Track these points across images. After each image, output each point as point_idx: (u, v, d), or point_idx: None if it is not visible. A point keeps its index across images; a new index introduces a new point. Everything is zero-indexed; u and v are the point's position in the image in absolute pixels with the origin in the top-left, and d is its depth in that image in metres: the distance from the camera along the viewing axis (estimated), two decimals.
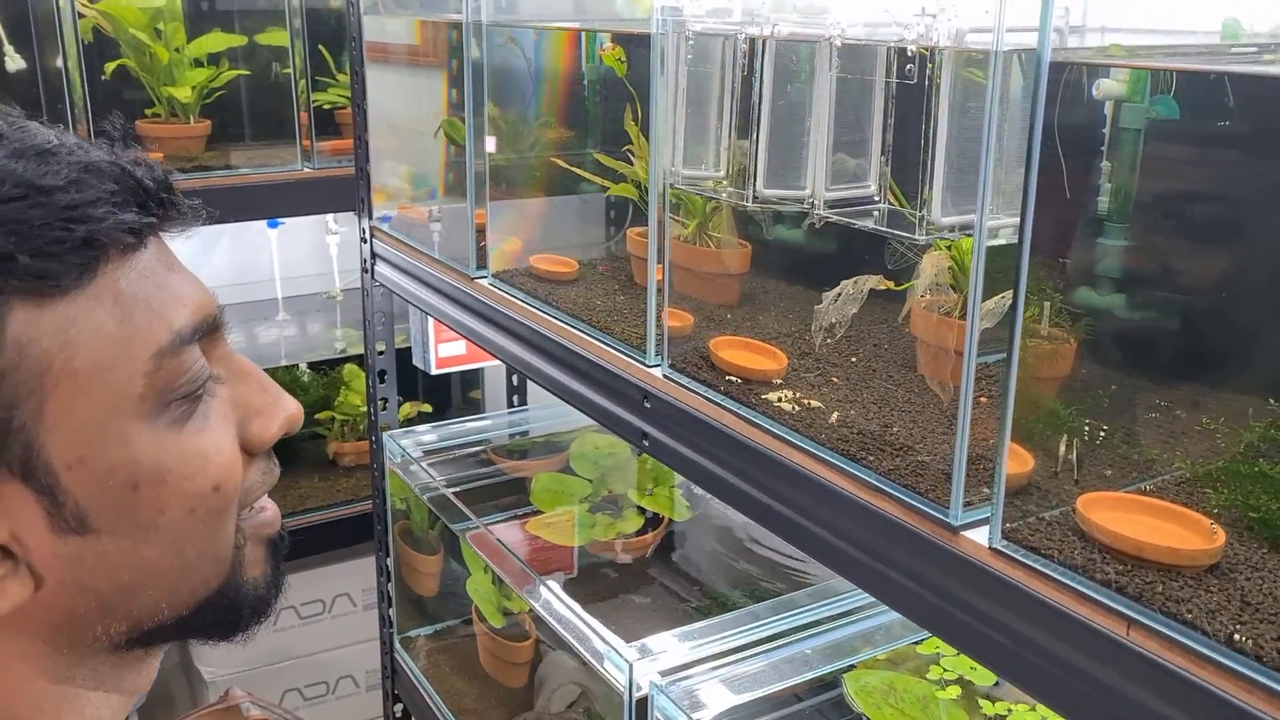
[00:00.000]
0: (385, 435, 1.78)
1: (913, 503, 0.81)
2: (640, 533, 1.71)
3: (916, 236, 0.78)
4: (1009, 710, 1.29)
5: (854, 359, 1.06)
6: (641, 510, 1.74)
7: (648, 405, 1.08)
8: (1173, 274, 1.01)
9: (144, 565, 0.59)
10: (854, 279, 0.98)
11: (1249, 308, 1.00)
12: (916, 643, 1.39)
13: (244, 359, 0.65)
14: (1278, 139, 0.95)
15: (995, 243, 0.75)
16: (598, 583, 1.66)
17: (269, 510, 0.67)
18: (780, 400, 0.94)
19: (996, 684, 1.33)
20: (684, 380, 1.04)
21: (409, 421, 2.51)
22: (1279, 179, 0.95)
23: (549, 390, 1.25)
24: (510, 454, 1.92)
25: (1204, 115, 0.98)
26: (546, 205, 1.50)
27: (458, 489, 1.79)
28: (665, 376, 1.07)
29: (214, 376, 0.62)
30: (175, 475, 0.58)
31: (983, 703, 1.30)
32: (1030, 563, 0.73)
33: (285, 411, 0.65)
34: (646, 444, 1.09)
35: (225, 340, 0.64)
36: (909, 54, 0.75)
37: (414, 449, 1.78)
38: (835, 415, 0.92)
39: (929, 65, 0.75)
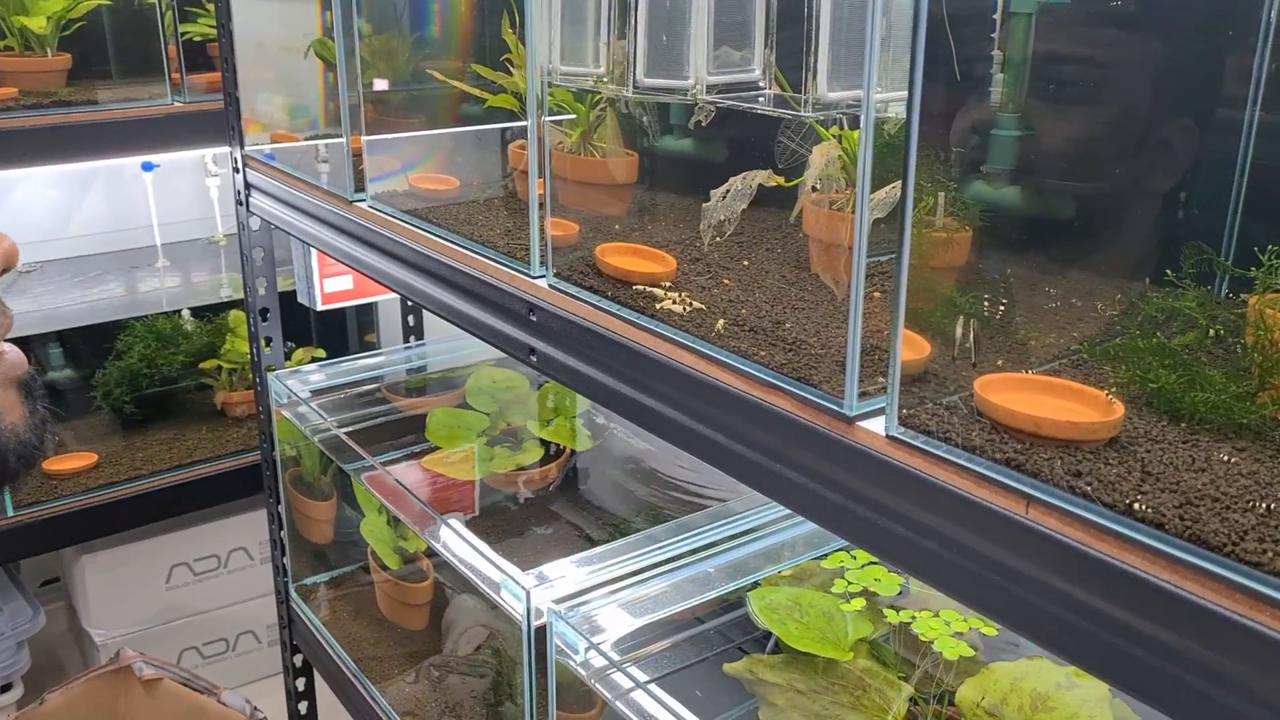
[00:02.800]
0: (270, 376, 1.70)
1: (807, 396, 0.78)
2: (541, 465, 1.67)
3: (803, 114, 0.74)
4: (913, 617, 1.28)
5: (746, 262, 1.02)
6: (542, 442, 1.70)
7: (534, 318, 1.03)
8: (1066, 163, 0.99)
9: None
10: (742, 175, 0.94)
11: (1142, 194, 0.99)
12: (820, 558, 1.37)
13: None
14: (1172, 22, 0.94)
15: (887, 122, 0.72)
16: (498, 517, 1.62)
17: (10, 353, 0.64)
18: (670, 303, 0.90)
19: (900, 593, 1.32)
20: (570, 289, 1.00)
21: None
22: (1172, 63, 0.93)
23: (434, 311, 1.19)
24: (405, 391, 1.86)
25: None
26: (429, 126, 1.43)
27: (350, 429, 1.73)
28: (551, 286, 1.02)
29: None
30: None
31: (887, 612, 1.29)
32: (928, 448, 0.70)
33: (2, 248, 0.62)
34: (534, 359, 1.05)
35: None
36: None
37: (302, 390, 1.71)
38: (726, 315, 0.88)
39: None
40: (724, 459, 0.85)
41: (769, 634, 1.26)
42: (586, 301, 0.97)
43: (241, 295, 1.74)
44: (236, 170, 1.62)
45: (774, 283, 0.97)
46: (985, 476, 0.67)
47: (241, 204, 1.64)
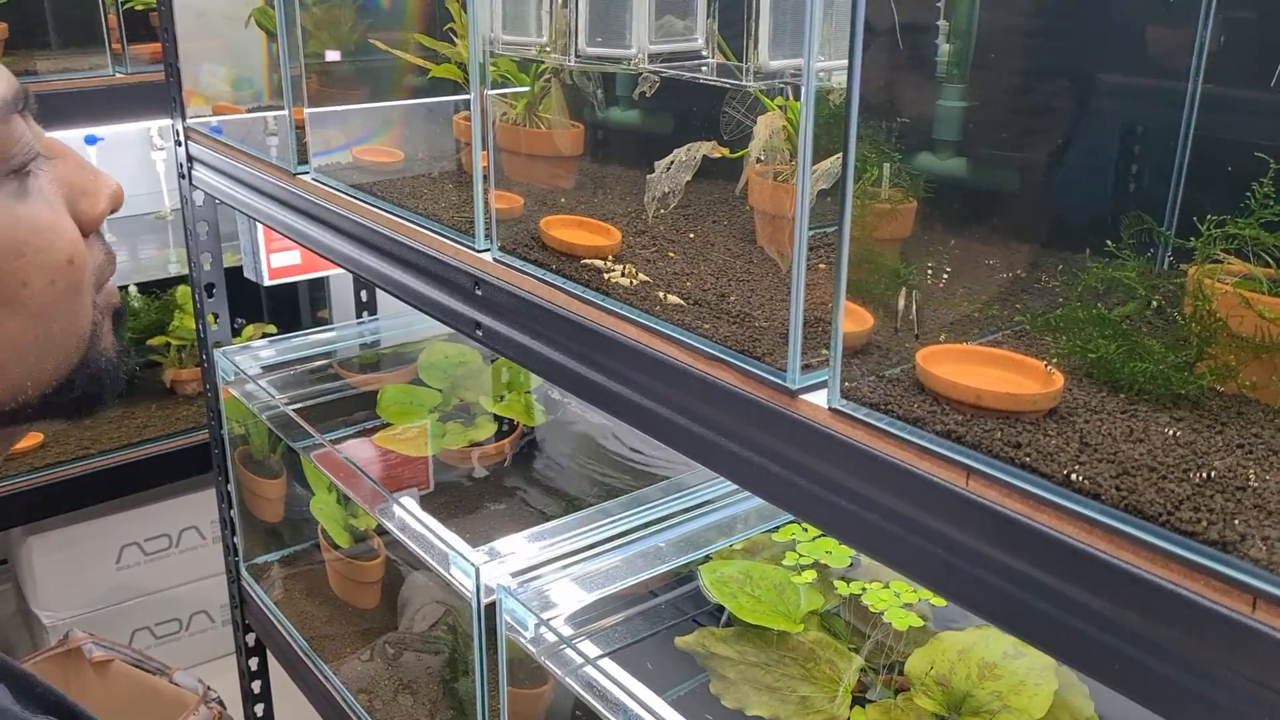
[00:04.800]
0: (217, 352, 1.68)
1: (750, 369, 0.77)
2: (495, 440, 1.66)
3: (745, 83, 0.73)
4: (863, 589, 1.29)
5: (692, 235, 1.02)
6: (495, 418, 1.69)
7: (479, 292, 1.02)
8: (1010, 135, 0.98)
9: (10, 341, 0.59)
10: (686, 147, 0.93)
11: (1086, 165, 0.99)
12: (771, 531, 1.38)
13: (55, 139, 0.65)
14: None
15: (833, 93, 0.71)
16: (450, 494, 1.61)
17: (110, 284, 0.68)
18: (615, 276, 0.90)
19: (851, 565, 1.33)
20: (515, 263, 0.98)
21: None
22: (1116, 34, 0.93)
23: (381, 286, 1.17)
24: (357, 367, 1.84)
25: None
26: (372, 96, 1.41)
27: (300, 406, 1.71)
28: (496, 260, 1.01)
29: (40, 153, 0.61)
30: (31, 247, 0.58)
31: (838, 584, 1.29)
32: (870, 420, 0.70)
33: (109, 188, 0.65)
34: (480, 333, 1.03)
35: (34, 120, 0.63)
36: None
37: (250, 366, 1.68)
38: (672, 288, 0.87)
39: None
40: (670, 433, 0.85)
41: (721, 607, 1.26)
42: (532, 275, 0.96)
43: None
44: (179, 143, 1.59)
45: (719, 255, 0.96)
46: (926, 449, 0.67)
47: (184, 177, 1.60)
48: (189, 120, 1.58)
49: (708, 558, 1.30)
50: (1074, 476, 0.61)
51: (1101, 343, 0.69)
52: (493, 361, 1.85)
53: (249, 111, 1.53)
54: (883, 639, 1.24)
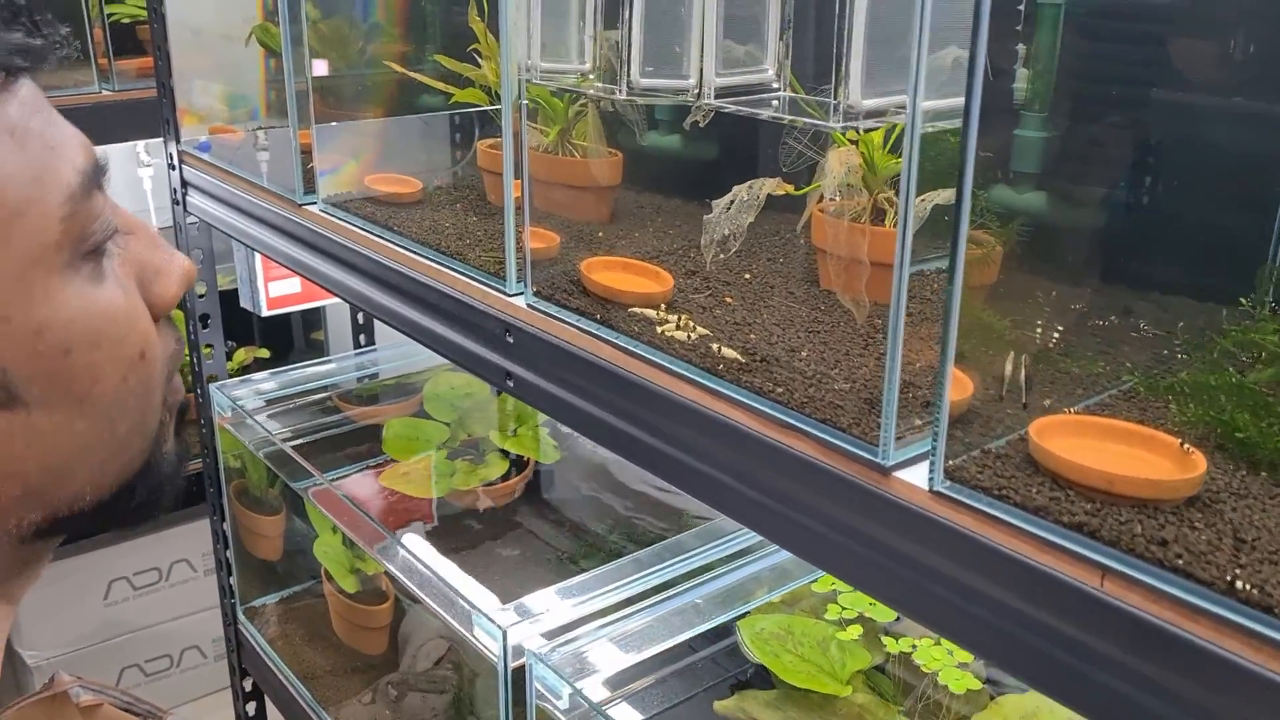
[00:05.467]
0: (212, 387, 1.58)
1: (834, 441, 0.69)
2: (504, 478, 1.57)
3: (832, 124, 0.64)
4: (913, 646, 1.20)
5: (748, 275, 0.93)
6: (505, 454, 1.60)
7: (510, 340, 0.94)
8: (1094, 167, 0.91)
9: (77, 443, 0.53)
10: (748, 184, 0.84)
11: (1178, 203, 0.91)
12: (812, 581, 1.29)
13: (128, 212, 0.58)
14: (1221, 11, 0.86)
15: (928, 130, 0.63)
16: (461, 536, 1.52)
17: (178, 378, 0.62)
18: (667, 328, 0.81)
19: (898, 619, 1.24)
20: (552, 310, 0.90)
21: (244, 370, 2.30)
22: (1223, 57, 0.85)
23: (397, 329, 1.09)
24: (359, 399, 1.75)
25: None
26: (384, 120, 1.32)
27: (300, 441, 1.62)
28: (530, 306, 0.92)
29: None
30: (108, 339, 0.52)
31: (885, 640, 1.21)
32: (981, 506, 0.62)
33: (181, 267, 0.59)
34: (511, 384, 0.95)
35: (107, 192, 0.56)
36: None
37: (247, 401, 1.59)
38: (734, 341, 0.79)
39: None
40: (736, 506, 0.76)
41: (762, 666, 1.17)
42: (571, 324, 0.88)
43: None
44: (172, 167, 1.50)
45: (782, 301, 0.87)
46: (1051, 543, 0.59)
47: (178, 203, 1.51)
48: (183, 143, 1.49)
49: (745, 612, 1.21)
50: (1239, 584, 0.53)
51: (1244, 418, 0.61)
52: (499, 391, 1.76)
53: (250, 131, 1.44)
54: (937, 700, 1.16)
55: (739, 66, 0.73)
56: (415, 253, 1.06)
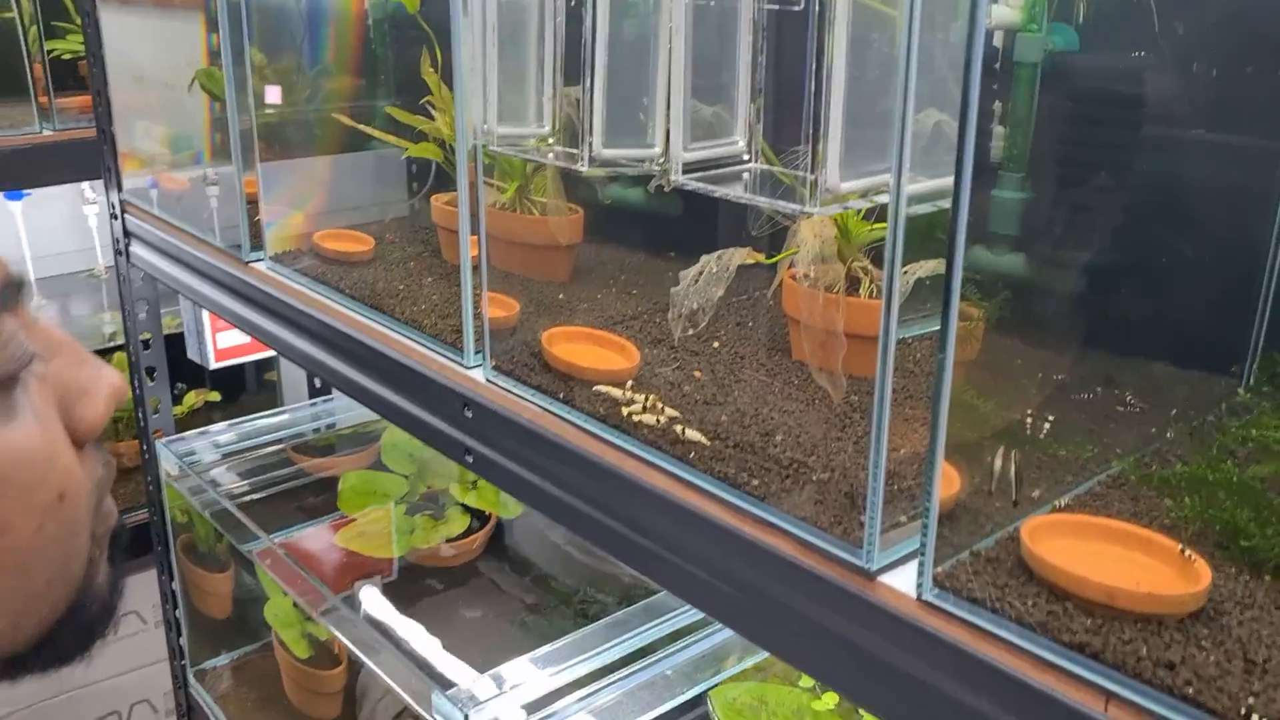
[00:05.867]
0: (159, 443, 1.52)
1: (814, 541, 0.65)
2: (466, 534, 1.52)
3: (810, 209, 0.60)
4: None
5: (716, 343, 0.89)
6: (466, 508, 1.54)
7: (469, 415, 0.89)
8: (1077, 230, 0.87)
9: None
10: (717, 254, 0.80)
11: (1159, 266, 0.88)
12: None
13: (50, 326, 0.53)
14: (1203, 74, 0.83)
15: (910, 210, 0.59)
16: (421, 597, 1.46)
17: (108, 503, 0.55)
18: (634, 410, 0.77)
19: None
20: (512, 386, 0.85)
21: (194, 414, 2.23)
22: (1206, 121, 0.82)
23: (351, 396, 1.03)
24: (314, 450, 1.69)
25: (1109, 46, 0.85)
26: (332, 170, 1.27)
27: (253, 497, 1.56)
28: (489, 381, 0.87)
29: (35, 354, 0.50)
30: (19, 485, 0.46)
31: (865, 715, 1.17)
32: (974, 619, 0.58)
33: (109, 387, 0.53)
34: (470, 460, 0.90)
35: (27, 308, 0.51)
36: None
37: (196, 455, 1.53)
38: (705, 424, 0.75)
39: None
40: (710, 601, 0.72)
41: None
42: (532, 403, 0.83)
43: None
44: (114, 216, 1.43)
45: (753, 374, 0.83)
46: (1050, 662, 0.55)
47: (121, 254, 1.45)
48: (125, 193, 1.43)
49: (717, 681, 1.17)
50: (1255, 717, 0.49)
51: (1248, 524, 0.57)
52: None
53: (194, 180, 1.38)
54: None
55: (707, 138, 0.69)
56: (368, 317, 1.01)
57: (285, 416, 1.69)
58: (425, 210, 1.17)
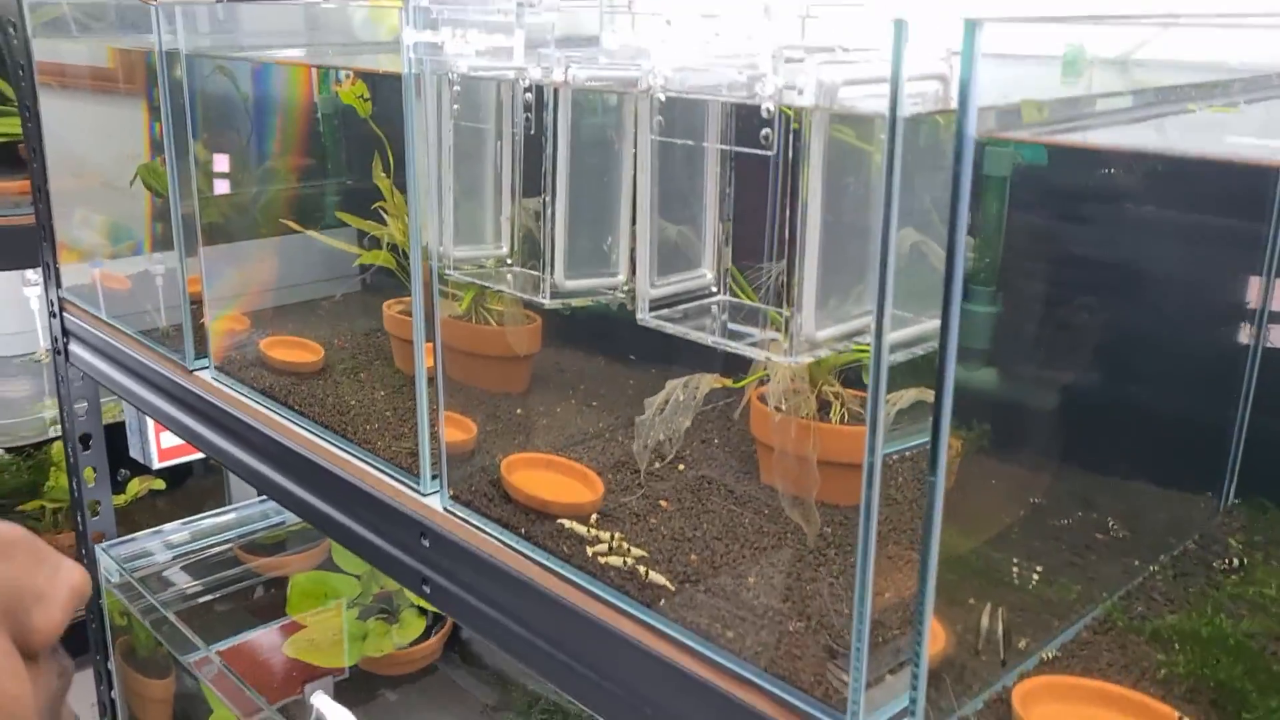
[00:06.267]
0: (99, 548, 1.45)
1: (794, 702, 0.61)
2: (422, 637, 1.47)
3: (786, 359, 0.58)
4: None
5: (681, 466, 0.86)
6: (421, 610, 1.49)
7: (426, 543, 0.85)
8: (1049, 345, 0.85)
9: None
10: (683, 380, 0.77)
11: (1133, 383, 0.86)
12: None
13: (3, 526, 0.48)
14: (1169, 192, 0.82)
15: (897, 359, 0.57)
16: (375, 704, 1.40)
17: (66, 708, 0.50)
18: (600, 549, 0.73)
19: None
20: (471, 517, 0.81)
21: (137, 502, 2.16)
22: (1167, 235, 0.81)
23: (301, 517, 0.99)
24: (262, 549, 1.63)
25: (1078, 161, 0.84)
26: (279, 271, 1.23)
27: (200, 601, 1.50)
28: (446, 510, 0.83)
29: None
30: None
31: None
32: None
33: (69, 587, 0.48)
34: (427, 590, 0.86)
35: None
36: (765, 113, 0.55)
37: (138, 559, 1.47)
38: (673, 561, 0.71)
39: (791, 126, 0.56)
40: None
41: None
42: (492, 537, 0.79)
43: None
44: (53, 314, 1.38)
45: (721, 503, 0.80)
46: None
47: (59, 353, 1.40)
48: (65, 289, 1.38)
49: None
50: None
51: (1254, 698, 0.55)
52: None
53: (136, 278, 1.33)
54: None
55: (673, 270, 0.67)
56: (319, 435, 0.96)
57: (232, 515, 1.63)
58: (375, 301, 1.14)
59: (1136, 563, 0.74)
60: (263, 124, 1.25)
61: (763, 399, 0.82)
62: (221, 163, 1.23)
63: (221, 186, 1.21)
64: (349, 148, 1.22)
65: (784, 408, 0.71)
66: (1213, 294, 0.85)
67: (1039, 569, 0.70)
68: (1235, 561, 0.74)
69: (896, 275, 0.60)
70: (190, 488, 2.26)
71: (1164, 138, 0.73)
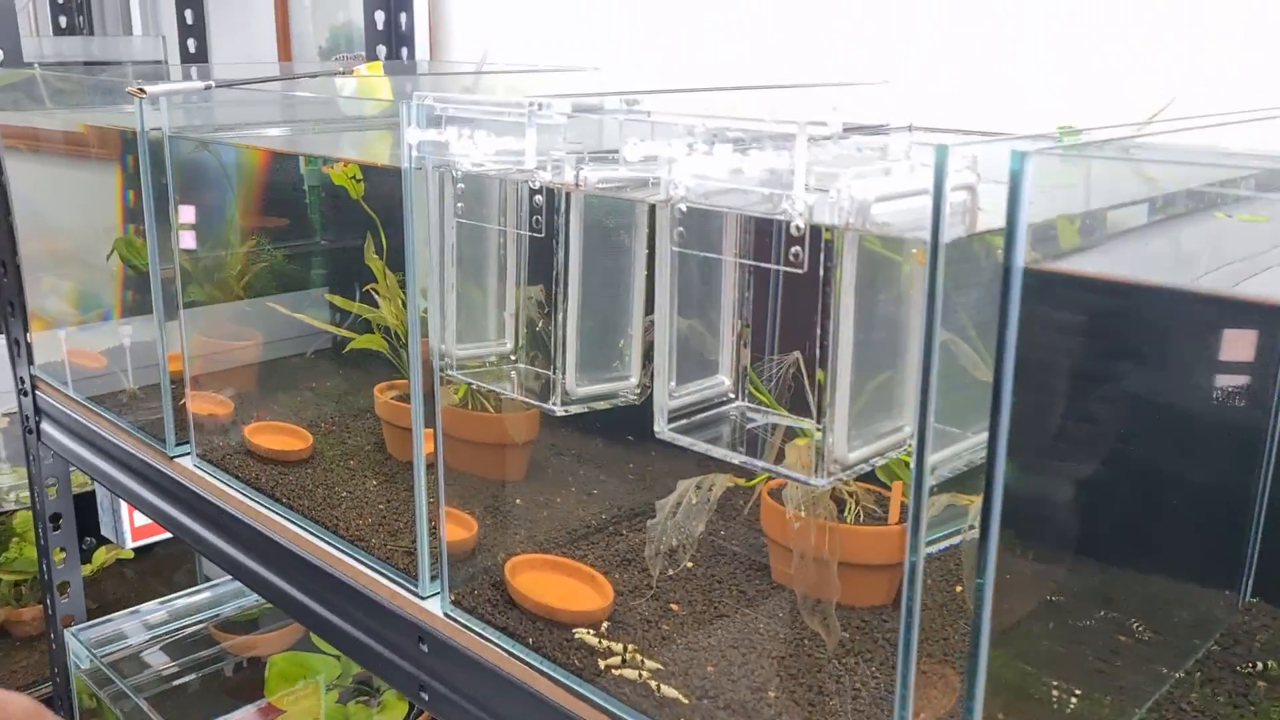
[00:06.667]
0: (68, 633, 1.40)
1: None
2: None
3: (815, 481, 0.56)
4: None
5: (690, 563, 0.83)
6: None
7: (425, 648, 0.81)
8: (1064, 438, 0.84)
9: None
10: (696, 481, 0.75)
11: (1148, 476, 0.85)
12: None
13: None
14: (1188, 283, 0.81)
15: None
16: None
17: None
18: (612, 662, 0.70)
19: None
20: (473, 624, 0.78)
21: (103, 571, 2.09)
22: (1186, 332, 0.80)
23: (290, 614, 0.95)
24: (238, 627, 1.58)
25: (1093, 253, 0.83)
26: (263, 349, 1.20)
27: (174, 684, 1.45)
28: (447, 615, 0.80)
29: None
30: None
31: None
32: None
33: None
34: (425, 697, 0.82)
35: None
36: (795, 231, 0.54)
37: (109, 644, 1.42)
38: (689, 674, 0.69)
39: (820, 241, 0.54)
40: None
41: None
42: (497, 645, 0.76)
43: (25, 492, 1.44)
44: (24, 394, 1.34)
45: (732, 603, 0.78)
46: None
47: (31, 432, 1.35)
48: (36, 367, 1.34)
49: None
50: None
51: None
52: None
53: (111, 353, 1.30)
54: None
55: (691, 380, 0.65)
56: (310, 530, 0.93)
57: (206, 594, 1.58)
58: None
59: (1164, 670, 0.72)
60: (247, 203, 1.23)
61: (773, 494, 0.80)
62: (188, 239, 1.19)
63: (187, 240, 1.18)
64: (338, 227, 1.20)
65: (804, 513, 0.69)
66: (1228, 388, 0.84)
67: (1070, 680, 0.68)
68: (1261, 665, 0.72)
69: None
70: (159, 555, 2.20)
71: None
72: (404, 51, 1.53)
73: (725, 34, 1.17)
